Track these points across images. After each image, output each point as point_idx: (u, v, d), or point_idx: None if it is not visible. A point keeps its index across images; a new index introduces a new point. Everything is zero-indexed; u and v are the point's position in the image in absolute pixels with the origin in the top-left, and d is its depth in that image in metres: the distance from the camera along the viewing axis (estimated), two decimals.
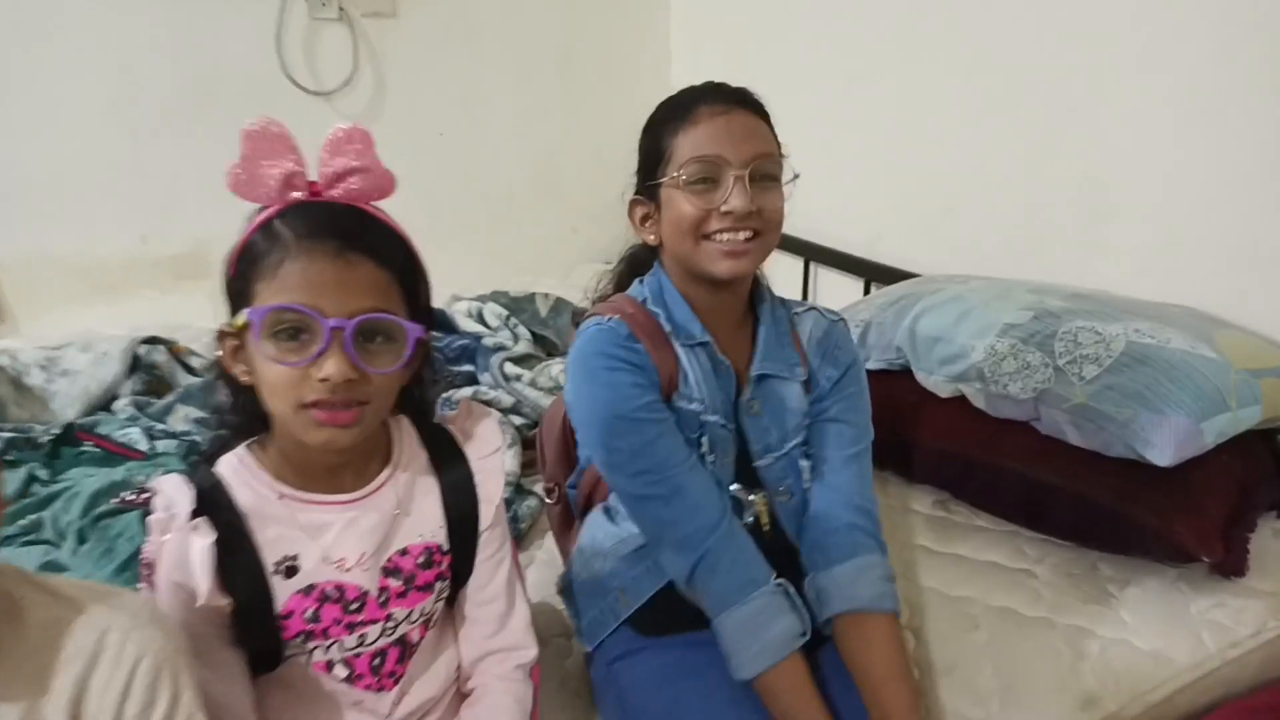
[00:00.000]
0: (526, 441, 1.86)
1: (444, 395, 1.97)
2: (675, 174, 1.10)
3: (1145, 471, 1.40)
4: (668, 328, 1.16)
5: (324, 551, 0.91)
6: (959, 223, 2.27)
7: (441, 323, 2.37)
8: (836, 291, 2.55)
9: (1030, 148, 2.06)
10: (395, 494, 0.97)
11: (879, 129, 2.45)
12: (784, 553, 1.19)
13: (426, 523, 0.99)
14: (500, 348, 2.21)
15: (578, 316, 2.44)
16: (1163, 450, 1.35)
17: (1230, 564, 1.39)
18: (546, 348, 2.37)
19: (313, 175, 0.88)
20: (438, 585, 1.00)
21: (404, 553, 0.97)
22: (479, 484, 1.02)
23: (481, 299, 2.47)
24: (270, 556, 0.89)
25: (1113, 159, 1.89)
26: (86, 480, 1.58)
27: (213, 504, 0.87)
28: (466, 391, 1.97)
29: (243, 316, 0.83)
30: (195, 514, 0.85)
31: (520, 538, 1.62)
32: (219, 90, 2.63)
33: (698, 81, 1.18)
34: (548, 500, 1.42)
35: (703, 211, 1.09)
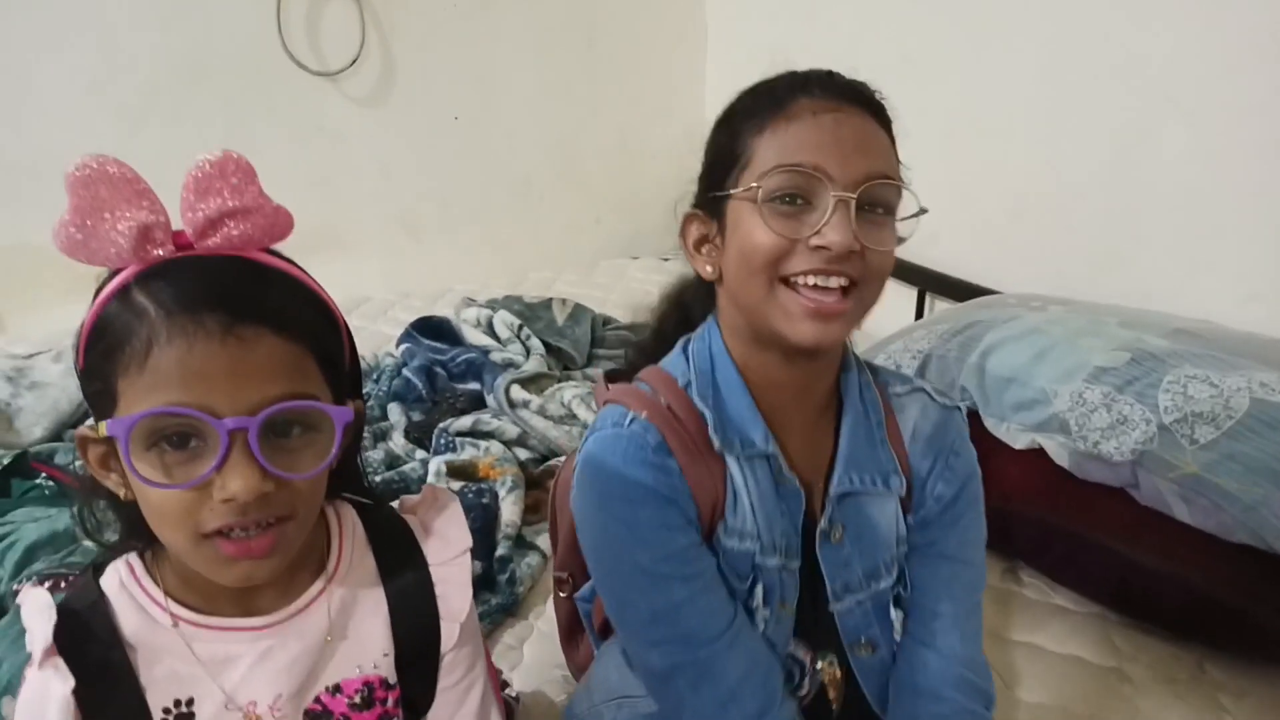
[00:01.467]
0: (531, 480, 1.64)
1: (442, 424, 1.76)
2: (753, 184, 0.79)
3: (1273, 561, 1.15)
4: (717, 436, 0.83)
5: (228, 693, 0.71)
6: (1030, 229, 2.00)
7: (446, 333, 2.15)
8: (888, 301, 2.27)
9: (1118, 145, 1.78)
10: (328, 613, 0.75)
11: (939, 118, 2.16)
12: None
13: (368, 650, 0.78)
14: (510, 364, 1.98)
15: (599, 330, 2.25)
16: None
17: None
18: (563, 360, 2.14)
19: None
20: None
21: (335, 690, 0.76)
22: (441, 596, 0.80)
23: (493, 305, 2.24)
24: (158, 700, 0.69)
25: (1219, 161, 1.61)
26: (27, 527, 1.39)
27: (86, 631, 0.67)
28: (466, 421, 1.75)
29: (105, 428, 0.61)
30: (61, 645, 0.65)
31: (516, 603, 1.40)
32: (212, 69, 2.42)
33: (736, 62, 0.86)
34: (559, 593, 1.14)
35: (785, 241, 0.77)
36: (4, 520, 1.44)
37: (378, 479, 1.60)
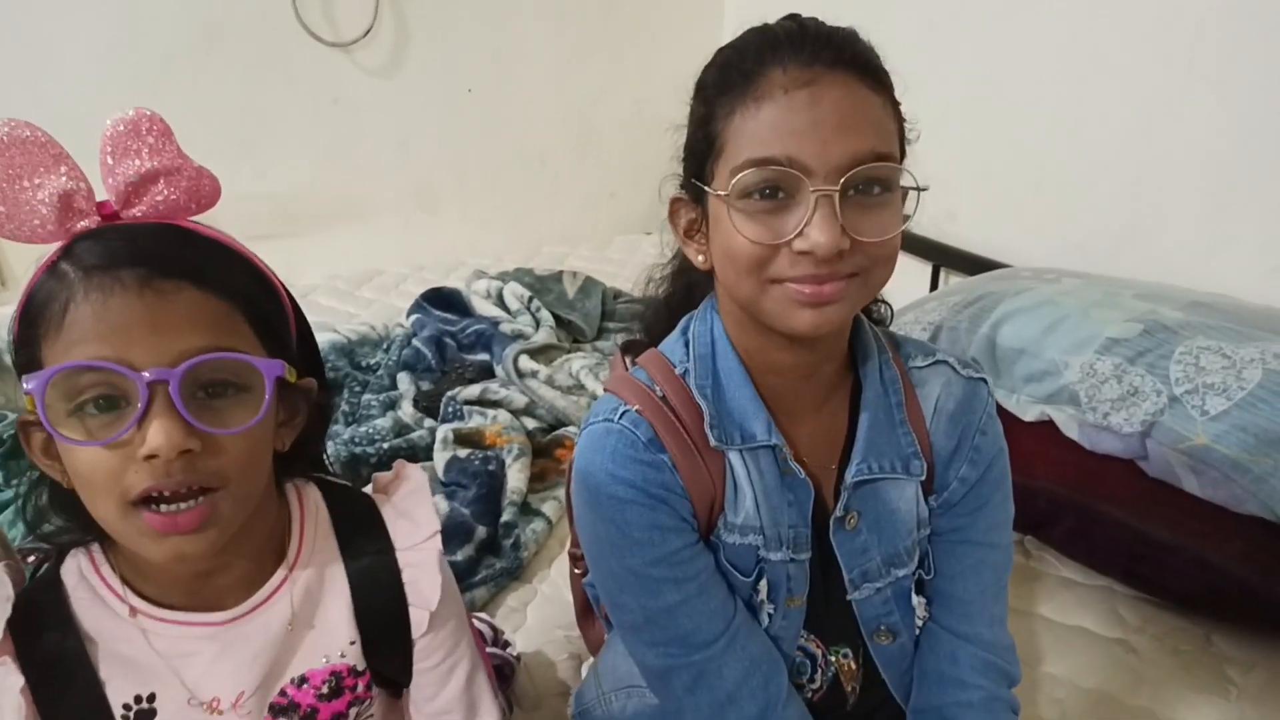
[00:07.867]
0: (538, 449, 1.64)
1: (450, 393, 1.77)
2: (727, 182, 0.70)
3: None
4: (713, 432, 0.78)
5: (190, 689, 0.68)
6: (1050, 202, 1.96)
7: (456, 304, 2.16)
8: (901, 277, 2.24)
9: (1142, 115, 1.74)
10: (291, 602, 0.72)
11: (959, 84, 2.12)
12: (880, 714, 0.91)
13: (334, 639, 0.74)
14: (519, 335, 1.98)
15: (610, 303, 2.24)
16: None
17: None
18: (573, 333, 2.14)
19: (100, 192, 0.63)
20: (352, 712, 0.77)
21: (301, 682, 0.73)
22: (409, 583, 0.76)
23: (503, 277, 2.24)
24: (118, 696, 0.67)
25: (1244, 132, 1.57)
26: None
27: (43, 623, 0.65)
28: (474, 390, 1.75)
29: (25, 386, 0.59)
30: (18, 637, 0.64)
31: (520, 568, 1.41)
32: (226, 37, 2.42)
33: (757, 18, 0.75)
34: (574, 569, 1.11)
35: (765, 248, 0.69)
36: (20, 481, 1.46)
37: (385, 446, 1.61)
